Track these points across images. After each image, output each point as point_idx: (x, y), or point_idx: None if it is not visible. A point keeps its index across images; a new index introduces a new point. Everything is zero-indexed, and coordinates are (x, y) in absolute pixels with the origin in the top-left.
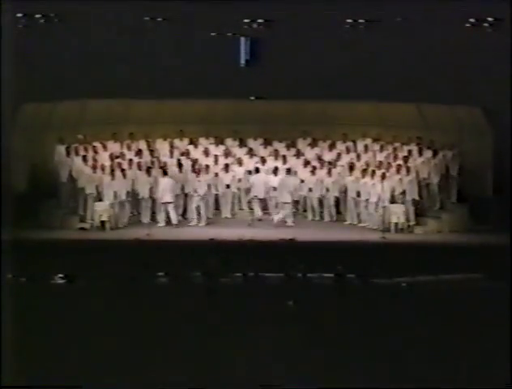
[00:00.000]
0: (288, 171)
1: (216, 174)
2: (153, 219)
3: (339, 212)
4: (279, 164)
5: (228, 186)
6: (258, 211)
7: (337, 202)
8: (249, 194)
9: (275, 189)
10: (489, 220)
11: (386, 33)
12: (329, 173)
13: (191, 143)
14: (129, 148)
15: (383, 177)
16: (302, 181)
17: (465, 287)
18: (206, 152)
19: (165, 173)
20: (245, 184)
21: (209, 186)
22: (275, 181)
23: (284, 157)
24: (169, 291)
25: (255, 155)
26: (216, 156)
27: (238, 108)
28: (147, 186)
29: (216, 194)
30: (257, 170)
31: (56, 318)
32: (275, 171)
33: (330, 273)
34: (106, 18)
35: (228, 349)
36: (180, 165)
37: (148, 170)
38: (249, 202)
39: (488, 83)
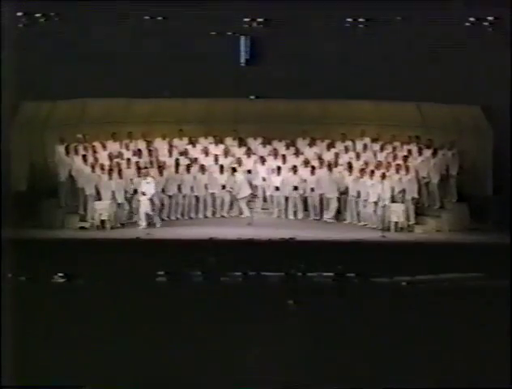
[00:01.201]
0: (329, 166)
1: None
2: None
3: (339, 212)
4: (278, 163)
5: (223, 187)
6: (246, 210)
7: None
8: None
9: (277, 188)
10: (489, 218)
11: (385, 32)
12: (328, 172)
13: (190, 142)
14: (127, 148)
15: (383, 176)
16: (304, 180)
17: (465, 286)
18: (206, 152)
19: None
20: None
21: (206, 186)
22: (277, 180)
23: (284, 156)
24: (169, 290)
25: (254, 154)
26: (216, 156)
27: (238, 107)
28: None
29: (213, 194)
30: (234, 170)
31: (56, 317)
32: (278, 170)
33: (330, 272)
34: (106, 17)
35: (227, 348)
36: (177, 165)
37: (145, 169)
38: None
39: (487, 83)
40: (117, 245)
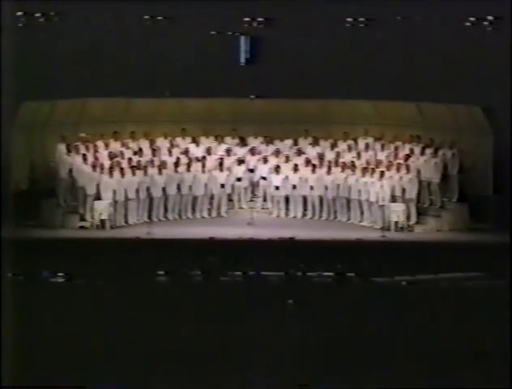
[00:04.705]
0: (329, 167)
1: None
2: (150, 217)
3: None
4: (279, 162)
5: (222, 186)
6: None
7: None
8: (248, 192)
9: (277, 188)
10: (489, 218)
11: (386, 32)
12: (328, 171)
13: (193, 141)
14: (127, 147)
15: (382, 175)
16: (305, 179)
17: (465, 285)
18: (209, 151)
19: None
20: (245, 183)
21: (205, 185)
22: (277, 180)
23: (287, 156)
24: (169, 289)
25: (257, 153)
26: (217, 154)
27: (238, 107)
28: (144, 185)
29: (212, 193)
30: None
31: (56, 317)
32: (277, 170)
33: (330, 272)
34: (106, 17)
35: (227, 348)
36: (177, 164)
37: (145, 169)
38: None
39: (487, 82)
40: (117, 245)
